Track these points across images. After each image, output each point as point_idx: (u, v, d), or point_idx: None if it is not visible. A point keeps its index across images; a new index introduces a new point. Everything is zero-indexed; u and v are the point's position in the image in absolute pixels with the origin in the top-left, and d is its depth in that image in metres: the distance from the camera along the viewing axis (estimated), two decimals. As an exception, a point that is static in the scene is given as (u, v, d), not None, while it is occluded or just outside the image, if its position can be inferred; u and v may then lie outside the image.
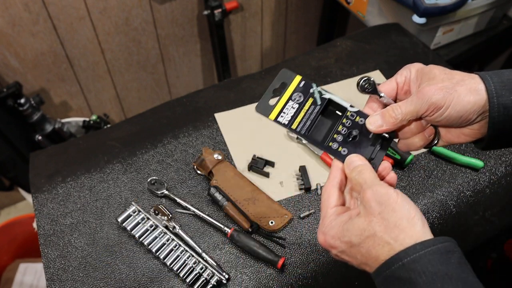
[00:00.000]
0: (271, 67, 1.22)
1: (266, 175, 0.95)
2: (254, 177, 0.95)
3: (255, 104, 1.08)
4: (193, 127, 1.05)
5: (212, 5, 1.58)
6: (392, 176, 0.52)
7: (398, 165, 0.95)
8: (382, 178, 0.51)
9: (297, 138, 1.00)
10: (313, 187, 0.93)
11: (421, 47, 1.25)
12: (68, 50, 1.52)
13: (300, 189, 0.92)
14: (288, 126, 0.53)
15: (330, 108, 0.54)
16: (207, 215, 0.88)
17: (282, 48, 2.08)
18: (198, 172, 0.95)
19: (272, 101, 0.55)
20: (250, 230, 0.85)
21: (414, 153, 0.97)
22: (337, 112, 0.54)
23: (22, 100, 1.37)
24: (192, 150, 1.01)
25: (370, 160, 0.51)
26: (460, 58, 1.45)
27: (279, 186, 0.94)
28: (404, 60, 1.20)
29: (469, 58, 1.51)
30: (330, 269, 0.82)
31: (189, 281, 0.79)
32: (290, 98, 0.54)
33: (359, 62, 1.20)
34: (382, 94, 0.52)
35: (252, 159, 0.96)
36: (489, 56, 1.88)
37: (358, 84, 0.52)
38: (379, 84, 0.53)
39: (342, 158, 0.51)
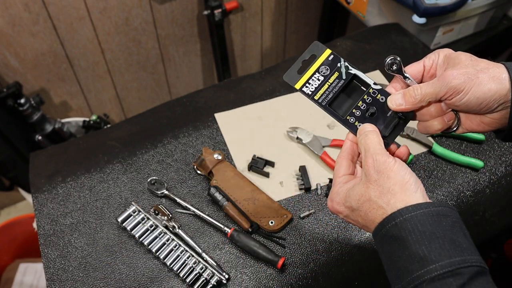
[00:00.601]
0: (271, 67, 1.22)
1: (266, 175, 0.95)
2: (254, 177, 0.95)
3: (255, 104, 1.09)
4: (193, 127, 1.05)
5: (212, 5, 1.58)
6: (402, 150, 0.54)
7: (398, 165, 0.95)
8: (392, 153, 0.53)
9: (297, 138, 1.00)
10: (313, 187, 0.93)
11: (421, 47, 1.25)
12: (68, 50, 1.52)
13: (300, 189, 0.92)
14: (311, 96, 0.56)
15: (353, 83, 0.56)
16: (207, 215, 0.88)
17: (282, 48, 2.08)
18: (198, 172, 0.95)
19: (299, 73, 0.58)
20: (250, 230, 0.85)
21: (414, 152, 0.97)
22: (359, 88, 0.56)
23: (22, 100, 1.37)
24: (192, 150, 1.01)
25: (383, 137, 0.53)
26: (460, 58, 1.44)
27: (279, 186, 0.94)
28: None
29: (469, 58, 1.51)
30: (330, 269, 0.82)
31: (189, 281, 0.79)
32: (317, 70, 0.56)
33: (359, 62, 1.20)
34: (407, 75, 0.54)
35: (252, 159, 0.96)
36: (489, 56, 1.88)
37: (385, 62, 0.53)
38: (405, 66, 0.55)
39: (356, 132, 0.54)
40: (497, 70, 0.48)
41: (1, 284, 1.51)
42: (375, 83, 0.56)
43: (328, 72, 0.56)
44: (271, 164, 0.96)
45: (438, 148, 0.97)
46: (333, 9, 1.86)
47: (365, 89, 0.56)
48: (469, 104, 0.49)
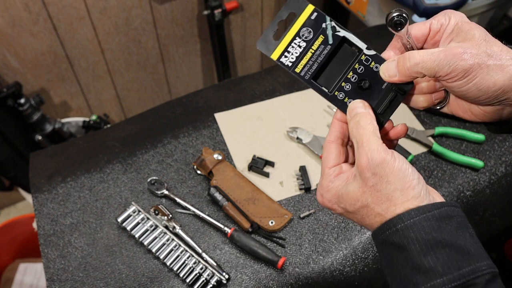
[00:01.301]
0: (271, 67, 1.22)
1: (266, 175, 0.95)
2: (254, 177, 0.95)
3: (256, 104, 1.09)
4: (193, 127, 1.05)
5: (212, 5, 1.58)
6: (399, 129, 0.48)
7: (398, 165, 0.95)
8: (386, 133, 0.48)
9: (297, 138, 1.00)
10: (313, 187, 0.93)
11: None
12: (68, 50, 1.52)
13: (300, 189, 0.92)
14: (291, 69, 0.47)
15: (342, 49, 0.47)
16: (207, 215, 0.88)
17: (282, 48, 2.07)
18: (198, 172, 0.95)
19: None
20: (250, 230, 0.85)
21: (414, 152, 0.97)
22: (350, 54, 0.47)
23: (22, 100, 1.37)
24: (192, 150, 1.00)
25: (378, 115, 0.46)
26: (460, 58, 1.45)
27: (279, 186, 0.94)
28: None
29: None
30: (330, 269, 0.82)
31: (189, 281, 0.79)
32: (297, 34, 0.46)
33: (359, 62, 1.19)
34: (409, 37, 0.45)
35: (252, 159, 0.96)
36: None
37: (389, 18, 0.43)
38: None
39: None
40: (509, 59, 0.41)
41: (1, 284, 1.51)
42: (368, 48, 0.46)
43: (311, 36, 0.46)
44: (271, 164, 0.96)
45: (438, 148, 0.97)
46: (333, 9, 1.86)
47: (356, 56, 0.46)
48: (468, 93, 0.42)
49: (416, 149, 0.99)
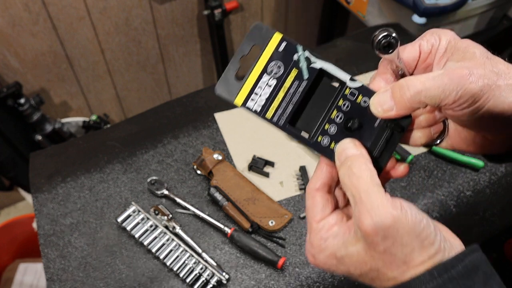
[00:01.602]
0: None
1: (266, 175, 0.95)
2: (254, 177, 0.95)
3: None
4: (193, 127, 1.05)
5: (212, 5, 1.59)
6: (402, 170, 0.40)
7: (398, 165, 0.95)
8: (386, 173, 0.40)
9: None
10: (313, 187, 0.93)
11: (421, 47, 1.25)
12: (68, 50, 1.52)
13: (300, 189, 0.92)
14: (260, 114, 0.38)
15: (322, 83, 0.39)
16: (207, 215, 0.88)
17: (282, 48, 2.08)
18: (198, 172, 0.95)
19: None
20: (250, 230, 0.85)
21: (414, 152, 0.97)
22: (331, 89, 0.39)
23: (22, 100, 1.37)
24: (192, 150, 1.00)
25: (373, 159, 0.37)
26: (460, 58, 1.45)
27: (279, 186, 0.94)
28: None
29: (469, 58, 1.51)
30: (330, 269, 0.82)
31: (189, 281, 0.79)
32: (265, 71, 0.38)
33: (359, 62, 1.20)
34: (401, 63, 0.38)
35: (252, 159, 0.96)
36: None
37: (375, 40, 0.36)
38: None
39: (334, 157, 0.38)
40: None
41: (1, 284, 1.51)
42: (352, 79, 0.38)
43: (282, 71, 0.38)
44: (271, 164, 0.96)
45: (438, 148, 0.97)
46: (333, 9, 1.86)
47: (339, 91, 0.38)
48: (480, 122, 0.35)
49: (416, 149, 0.99)
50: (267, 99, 0.38)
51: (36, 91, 1.56)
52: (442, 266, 0.32)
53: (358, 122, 0.37)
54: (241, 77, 0.38)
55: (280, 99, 0.38)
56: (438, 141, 0.41)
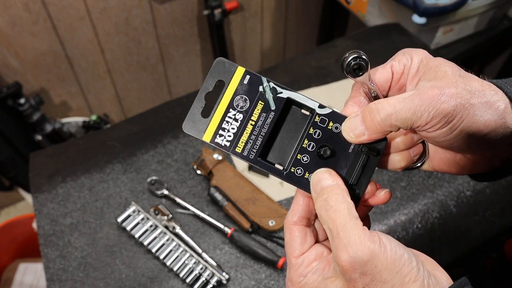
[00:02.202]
0: (271, 67, 1.22)
1: (266, 175, 0.95)
2: (254, 177, 0.95)
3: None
4: (193, 127, 1.05)
5: (212, 5, 1.58)
6: (383, 197, 0.38)
7: (398, 165, 0.95)
8: (365, 200, 0.38)
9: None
10: (313, 187, 0.93)
11: (421, 47, 1.24)
12: (68, 50, 1.52)
13: (300, 189, 0.92)
14: (230, 149, 0.37)
15: (290, 113, 0.39)
16: (207, 215, 0.88)
17: (282, 48, 2.08)
18: (198, 172, 0.95)
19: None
20: (250, 230, 0.85)
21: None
22: (300, 118, 0.39)
23: (22, 100, 1.37)
24: (192, 150, 1.00)
25: (350, 187, 0.36)
26: (460, 58, 1.45)
27: (279, 186, 0.94)
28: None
29: (469, 58, 1.51)
30: (330, 269, 0.83)
31: (189, 281, 0.79)
32: (231, 105, 0.38)
33: (359, 62, 1.19)
34: (373, 85, 0.37)
35: (252, 159, 0.96)
36: (489, 56, 1.88)
37: (345, 63, 0.35)
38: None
39: (309, 189, 0.37)
40: (493, 95, 0.33)
41: (1, 284, 1.51)
42: (321, 106, 0.37)
43: (248, 105, 0.37)
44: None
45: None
46: (333, 9, 1.86)
47: (309, 119, 0.37)
48: (455, 142, 0.34)
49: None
50: (235, 134, 0.37)
51: (36, 91, 1.56)
52: None
53: (331, 149, 0.37)
54: (207, 114, 0.38)
55: (249, 132, 0.37)
56: (419, 164, 0.40)
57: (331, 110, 0.38)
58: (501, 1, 1.39)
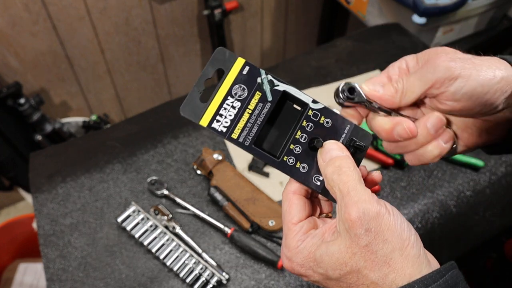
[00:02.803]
0: (271, 67, 1.22)
1: (266, 175, 0.95)
2: (254, 177, 0.95)
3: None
4: (193, 127, 1.05)
5: (212, 5, 1.59)
6: (376, 177, 0.40)
7: (398, 165, 0.95)
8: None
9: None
10: (313, 187, 0.93)
11: (421, 47, 1.25)
12: (68, 50, 1.52)
13: (300, 189, 0.92)
14: (226, 135, 0.38)
15: (286, 106, 0.41)
16: (207, 215, 0.88)
17: (282, 48, 2.08)
18: (198, 172, 0.95)
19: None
20: (250, 230, 0.85)
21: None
22: (295, 111, 0.41)
23: (22, 100, 1.37)
24: (192, 150, 1.00)
25: None
26: (460, 58, 1.45)
27: (279, 186, 0.94)
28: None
29: (469, 58, 1.51)
30: (330, 269, 0.83)
31: (189, 281, 0.79)
32: (229, 93, 0.39)
33: (359, 62, 1.20)
34: (371, 101, 0.39)
35: (252, 159, 0.96)
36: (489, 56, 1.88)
37: (338, 90, 0.39)
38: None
39: (300, 177, 0.39)
40: (496, 60, 0.37)
41: (1, 284, 1.51)
42: (314, 101, 0.40)
43: (246, 94, 0.39)
44: (271, 164, 0.96)
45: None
46: (333, 9, 1.86)
47: (302, 112, 0.40)
48: (473, 94, 0.35)
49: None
50: (232, 121, 0.39)
51: (36, 91, 1.56)
52: (424, 279, 0.32)
53: (322, 142, 0.39)
54: (205, 99, 0.39)
55: (245, 120, 0.39)
56: (454, 145, 0.41)
57: (323, 106, 0.40)
58: (501, 1, 1.39)
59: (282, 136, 0.40)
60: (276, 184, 0.94)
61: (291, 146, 0.39)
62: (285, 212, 0.39)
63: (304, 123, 0.39)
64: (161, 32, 1.66)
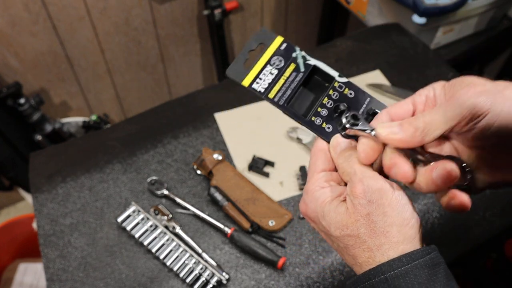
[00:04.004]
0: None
1: (266, 175, 0.95)
2: (254, 177, 0.95)
3: (256, 104, 1.09)
4: (193, 127, 1.05)
5: (212, 5, 1.59)
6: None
7: (398, 165, 0.95)
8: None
9: (297, 138, 1.00)
10: (313, 187, 0.93)
11: (421, 47, 1.25)
12: (68, 50, 1.52)
13: (300, 189, 0.92)
14: (264, 94, 0.45)
15: (315, 77, 0.47)
16: (207, 215, 0.88)
17: (282, 48, 2.08)
18: (198, 172, 0.95)
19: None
20: (250, 230, 0.85)
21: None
22: (323, 82, 0.47)
23: (22, 100, 1.37)
24: (192, 150, 1.00)
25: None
26: (460, 58, 1.45)
27: (279, 186, 0.94)
28: (404, 60, 1.20)
29: (469, 58, 1.51)
30: (330, 269, 0.82)
31: (189, 281, 0.79)
32: (268, 62, 0.46)
33: (359, 62, 1.20)
34: (372, 131, 0.38)
35: (252, 159, 0.96)
36: (489, 56, 1.88)
37: (343, 120, 0.42)
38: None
39: (326, 136, 0.44)
40: None
41: (1, 284, 1.51)
42: (340, 75, 0.46)
43: (282, 64, 0.46)
44: (271, 164, 0.96)
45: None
46: (333, 9, 1.86)
47: (329, 83, 0.46)
48: (501, 127, 0.33)
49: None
50: (269, 84, 0.45)
51: (36, 91, 1.56)
52: (413, 254, 0.35)
53: (345, 109, 0.44)
54: (248, 65, 0.46)
55: (281, 84, 0.45)
56: (467, 181, 0.38)
57: (347, 80, 0.46)
58: (501, 1, 1.39)
59: (312, 101, 0.46)
60: (276, 184, 0.94)
61: (319, 109, 0.45)
62: (311, 164, 0.43)
63: (331, 92, 0.45)
64: (161, 32, 1.66)
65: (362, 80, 1.14)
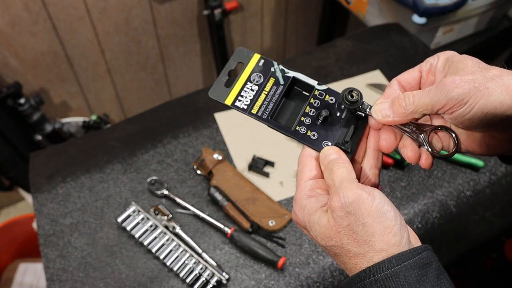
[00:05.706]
0: (271, 67, 1.22)
1: (266, 175, 0.95)
2: (254, 177, 0.95)
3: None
4: (193, 127, 1.05)
5: (212, 5, 1.58)
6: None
7: (398, 165, 0.95)
8: (360, 161, 0.46)
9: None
10: (313, 187, 0.93)
11: (421, 47, 1.25)
12: (68, 50, 1.52)
13: (300, 189, 0.92)
14: (247, 111, 0.47)
15: (295, 88, 0.49)
16: (207, 215, 0.88)
17: (282, 48, 2.08)
18: (198, 172, 0.95)
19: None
20: (250, 230, 0.85)
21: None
22: (303, 92, 0.49)
23: (22, 100, 1.37)
24: (192, 150, 1.00)
25: (344, 143, 0.45)
26: (460, 58, 1.45)
27: (279, 186, 0.94)
28: (404, 60, 1.20)
29: (469, 58, 1.51)
30: (330, 269, 0.82)
31: (189, 281, 0.79)
32: (248, 80, 0.48)
33: (359, 62, 1.20)
34: (368, 110, 0.44)
35: (252, 159, 0.96)
36: (489, 56, 1.88)
37: (342, 96, 0.45)
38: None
39: (312, 143, 0.46)
40: (511, 79, 0.38)
41: (1, 284, 1.51)
42: (319, 83, 0.48)
43: (262, 80, 0.48)
44: (271, 164, 0.96)
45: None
46: (333, 9, 1.86)
47: (309, 92, 0.48)
48: (475, 120, 0.38)
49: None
50: (251, 100, 0.47)
51: (36, 91, 1.56)
52: (402, 255, 0.36)
53: (328, 115, 0.46)
54: (229, 85, 0.48)
55: (263, 99, 0.47)
56: (454, 149, 0.43)
57: (327, 87, 0.48)
58: (501, 1, 1.39)
59: (294, 111, 0.48)
60: (276, 184, 0.94)
61: (302, 118, 0.46)
62: (298, 172, 0.44)
63: (312, 100, 0.47)
64: (161, 32, 1.66)
65: (362, 80, 1.14)
